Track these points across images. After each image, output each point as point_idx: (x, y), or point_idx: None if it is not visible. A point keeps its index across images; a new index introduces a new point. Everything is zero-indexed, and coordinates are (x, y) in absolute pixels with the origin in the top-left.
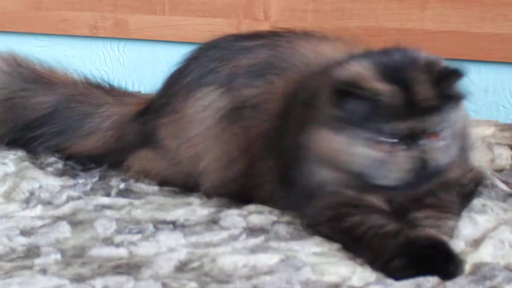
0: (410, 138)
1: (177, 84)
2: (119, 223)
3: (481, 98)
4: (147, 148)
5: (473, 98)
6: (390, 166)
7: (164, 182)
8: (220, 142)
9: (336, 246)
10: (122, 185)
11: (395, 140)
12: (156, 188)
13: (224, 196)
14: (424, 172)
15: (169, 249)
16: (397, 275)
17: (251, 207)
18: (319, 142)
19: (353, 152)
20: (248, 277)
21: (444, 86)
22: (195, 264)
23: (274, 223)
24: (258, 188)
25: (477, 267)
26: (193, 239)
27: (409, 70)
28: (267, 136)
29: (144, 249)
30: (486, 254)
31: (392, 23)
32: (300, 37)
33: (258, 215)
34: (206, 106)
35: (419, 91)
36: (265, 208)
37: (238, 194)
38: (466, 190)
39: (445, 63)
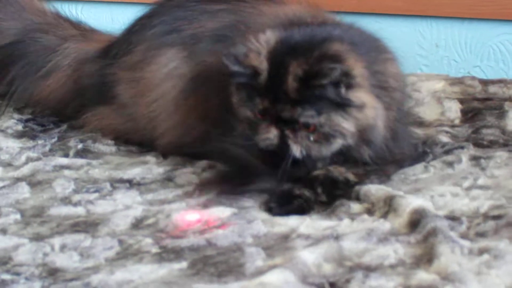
0: (271, 117)
1: (140, 34)
2: (77, 182)
3: (432, 53)
4: (104, 105)
5: (425, 52)
6: (256, 131)
7: (119, 137)
8: (180, 111)
9: None
10: (80, 146)
11: (260, 113)
12: (113, 148)
13: (179, 155)
14: (286, 154)
15: (125, 206)
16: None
17: (204, 163)
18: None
19: (241, 112)
20: (202, 232)
21: (310, 86)
22: (151, 221)
23: None
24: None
25: (415, 214)
26: (149, 196)
27: (292, 56)
28: (224, 104)
29: (101, 207)
30: (423, 204)
31: None
32: (261, 2)
33: (211, 171)
34: (167, 73)
35: (288, 81)
36: (218, 164)
37: (192, 155)
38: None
39: (330, 65)
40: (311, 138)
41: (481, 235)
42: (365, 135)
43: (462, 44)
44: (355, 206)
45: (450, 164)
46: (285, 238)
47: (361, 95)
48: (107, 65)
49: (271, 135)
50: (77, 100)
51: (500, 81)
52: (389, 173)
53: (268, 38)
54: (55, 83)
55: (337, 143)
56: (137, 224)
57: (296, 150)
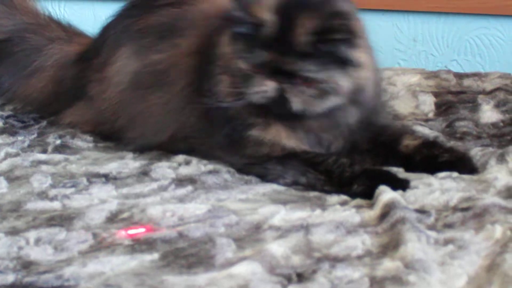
0: (270, 70)
1: (105, 37)
2: (54, 177)
3: (410, 47)
4: (79, 101)
5: (403, 47)
6: (252, 84)
7: (92, 130)
8: (132, 104)
9: (261, 191)
10: (58, 141)
11: (259, 65)
12: (91, 144)
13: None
14: (283, 107)
15: (101, 201)
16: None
17: (180, 158)
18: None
19: (233, 64)
20: (175, 225)
21: (320, 40)
22: (125, 215)
23: (202, 173)
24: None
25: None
26: (124, 190)
27: (301, 10)
28: (182, 96)
29: (77, 201)
30: (395, 196)
31: None
32: None
33: (187, 166)
34: (118, 71)
35: (297, 34)
36: (193, 159)
37: (160, 147)
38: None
39: (339, 18)
40: (308, 93)
41: (448, 226)
42: (356, 95)
43: (439, 39)
44: (331, 198)
45: None
46: (257, 229)
47: (361, 55)
48: (83, 68)
49: (267, 87)
50: (57, 101)
51: (474, 75)
52: None
53: None
54: (37, 83)
55: (331, 101)
56: (112, 218)
57: (297, 104)
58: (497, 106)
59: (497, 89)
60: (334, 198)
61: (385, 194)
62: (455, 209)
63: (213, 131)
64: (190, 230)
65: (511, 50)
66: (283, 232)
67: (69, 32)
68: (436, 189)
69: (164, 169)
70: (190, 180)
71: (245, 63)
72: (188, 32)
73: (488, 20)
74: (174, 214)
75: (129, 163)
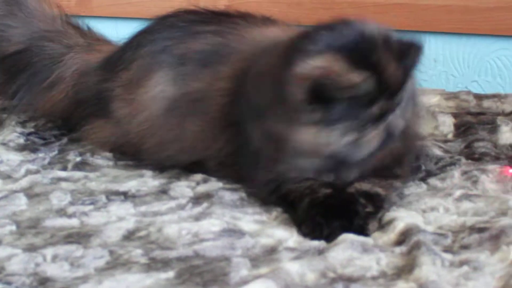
0: (381, 117)
1: (136, 52)
2: (74, 195)
3: (431, 68)
4: (101, 118)
5: (423, 68)
6: (363, 145)
7: (115, 149)
8: (165, 130)
9: (274, 214)
10: (78, 159)
11: (369, 124)
12: (111, 162)
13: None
14: (388, 140)
15: (118, 218)
16: (310, 238)
17: (199, 177)
18: (298, 139)
19: (333, 141)
20: (191, 243)
21: (408, 63)
22: (142, 233)
23: (219, 189)
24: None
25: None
26: (142, 208)
27: (373, 51)
28: (216, 123)
29: (95, 219)
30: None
31: None
32: (249, 23)
33: (204, 183)
34: (154, 96)
35: (389, 73)
36: (212, 178)
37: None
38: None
39: (397, 36)
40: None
41: (465, 247)
42: None
43: (460, 59)
44: None
45: (443, 179)
46: (272, 250)
47: None
48: (105, 79)
49: (382, 134)
50: (78, 111)
51: (494, 96)
52: (404, 175)
53: (327, 60)
54: (58, 95)
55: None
56: (129, 236)
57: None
58: None
59: None
60: None
61: (400, 221)
62: (471, 229)
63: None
64: (206, 249)
65: None
66: (299, 253)
67: (88, 38)
68: (453, 210)
69: (183, 188)
70: (207, 196)
71: (350, 132)
72: (230, 57)
73: (509, 42)
74: (189, 232)
75: (148, 181)
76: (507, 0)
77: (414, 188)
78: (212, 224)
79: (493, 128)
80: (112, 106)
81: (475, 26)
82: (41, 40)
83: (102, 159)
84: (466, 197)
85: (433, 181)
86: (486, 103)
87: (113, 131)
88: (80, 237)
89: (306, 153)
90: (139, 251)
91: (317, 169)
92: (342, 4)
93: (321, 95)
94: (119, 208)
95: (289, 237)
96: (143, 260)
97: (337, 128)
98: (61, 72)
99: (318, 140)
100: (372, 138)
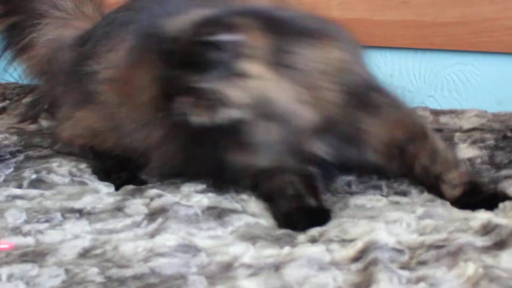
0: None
1: (122, 30)
2: (29, 213)
3: (387, 83)
4: (82, 108)
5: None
6: None
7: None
8: None
9: (229, 229)
10: (34, 176)
11: None
12: (67, 179)
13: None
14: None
15: (74, 236)
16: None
17: (153, 192)
18: None
19: None
20: (146, 260)
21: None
22: (98, 251)
23: (174, 204)
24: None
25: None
26: (98, 226)
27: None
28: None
29: (51, 237)
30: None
31: None
32: None
33: (159, 198)
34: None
35: None
36: (167, 193)
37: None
38: None
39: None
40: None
41: (422, 263)
42: (263, 109)
43: (416, 74)
44: (300, 237)
45: (404, 194)
46: (228, 267)
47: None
48: (83, 58)
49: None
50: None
51: (451, 112)
52: None
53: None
54: (34, 55)
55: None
56: (85, 254)
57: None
58: (474, 142)
59: (474, 129)
60: (302, 237)
61: (363, 237)
62: (430, 246)
63: None
64: (162, 266)
65: (487, 86)
66: (255, 270)
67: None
68: (414, 226)
69: (138, 205)
70: (161, 210)
71: None
72: None
73: (465, 56)
74: (144, 249)
75: (104, 198)
76: (462, 15)
77: (375, 202)
78: (167, 239)
79: (451, 146)
80: (98, 96)
81: (430, 41)
82: None
83: (58, 176)
84: (427, 212)
85: (393, 195)
86: (443, 119)
87: (98, 118)
88: (35, 255)
89: None
90: (95, 270)
91: None
92: None
93: None
94: (74, 226)
95: (245, 252)
96: (99, 279)
97: None
98: (36, 36)
99: None
100: None
